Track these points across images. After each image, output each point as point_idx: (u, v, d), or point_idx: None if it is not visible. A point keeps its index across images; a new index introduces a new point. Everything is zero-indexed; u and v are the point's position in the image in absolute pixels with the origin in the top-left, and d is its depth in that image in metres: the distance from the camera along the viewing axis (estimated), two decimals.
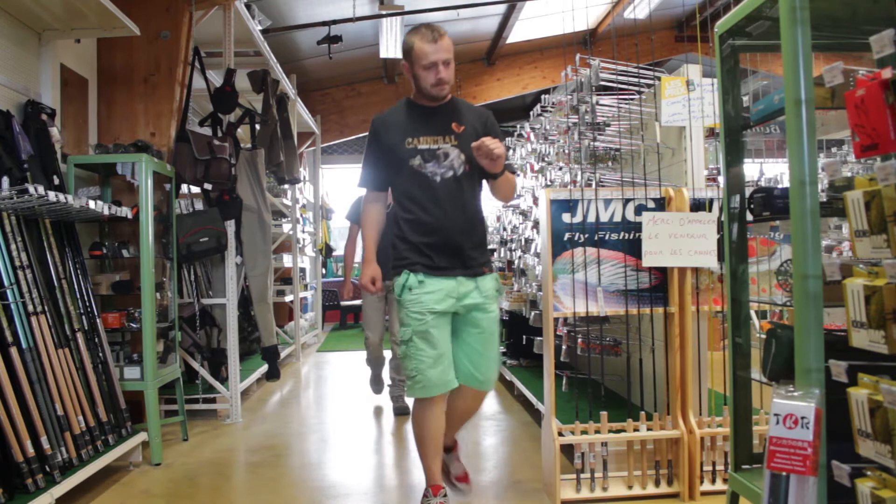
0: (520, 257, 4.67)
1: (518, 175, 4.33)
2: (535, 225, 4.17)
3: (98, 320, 3.27)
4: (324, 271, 9.87)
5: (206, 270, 5.09)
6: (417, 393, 2.44)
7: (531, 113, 4.90)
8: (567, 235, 2.84)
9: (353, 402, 5.02)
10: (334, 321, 10.55)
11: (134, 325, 3.51)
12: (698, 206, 2.84)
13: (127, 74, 4.08)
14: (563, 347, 3.26)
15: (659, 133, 3.19)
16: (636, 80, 3.21)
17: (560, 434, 2.73)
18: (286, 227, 7.20)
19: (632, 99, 3.30)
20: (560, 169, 3.77)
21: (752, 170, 5.27)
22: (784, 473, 1.37)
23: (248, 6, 5.20)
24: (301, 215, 7.64)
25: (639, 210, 2.84)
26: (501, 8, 7.50)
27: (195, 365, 4.23)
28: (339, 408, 4.91)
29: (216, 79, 5.01)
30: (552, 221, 2.83)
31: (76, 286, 3.19)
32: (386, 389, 4.71)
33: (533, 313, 4.09)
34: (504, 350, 5.66)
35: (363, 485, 3.16)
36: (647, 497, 2.74)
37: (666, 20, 8.55)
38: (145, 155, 3.50)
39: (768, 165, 5.35)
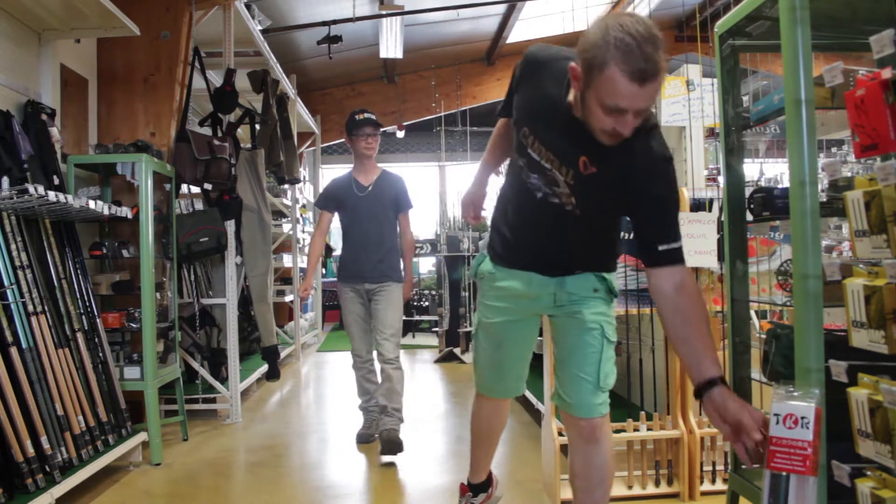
0: None
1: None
2: None
3: (98, 320, 3.27)
4: (324, 271, 9.87)
5: (206, 270, 5.09)
6: (476, 383, 2.21)
7: None
8: None
9: (354, 402, 5.02)
10: (334, 321, 10.55)
11: (134, 325, 3.51)
12: (698, 206, 2.84)
13: (127, 74, 4.07)
14: None
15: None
16: None
17: (560, 434, 2.73)
18: (286, 227, 7.20)
19: None
20: None
21: (752, 170, 5.27)
22: (784, 473, 1.37)
23: (248, 6, 5.20)
24: (301, 215, 7.64)
25: None
26: (501, 8, 7.49)
27: (195, 365, 4.23)
28: (339, 408, 4.90)
29: (216, 79, 5.01)
30: None
31: (76, 286, 3.19)
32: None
33: None
34: None
35: (363, 485, 3.16)
36: (647, 497, 2.74)
37: (666, 20, 8.54)
38: (145, 155, 3.50)
39: (768, 165, 5.35)
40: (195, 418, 4.27)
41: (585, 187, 1.68)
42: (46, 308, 2.88)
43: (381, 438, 3.46)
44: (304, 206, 8.01)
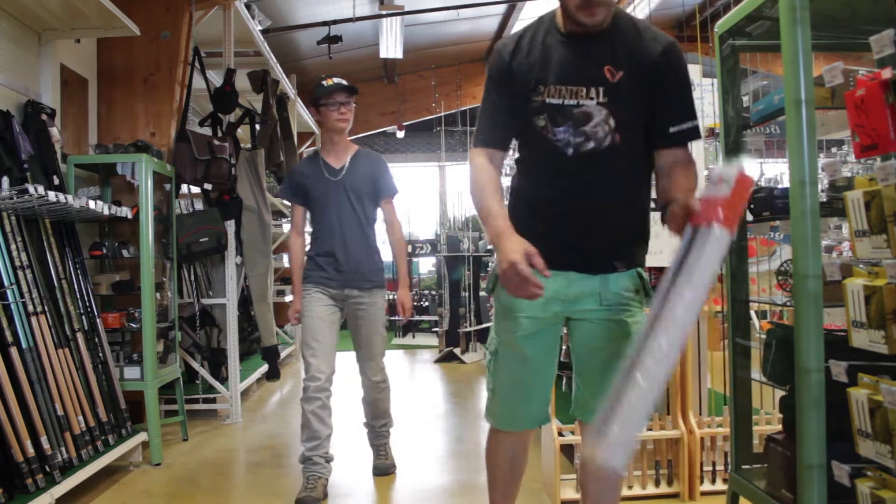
0: None
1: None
2: None
3: (98, 320, 3.27)
4: None
5: (206, 270, 5.09)
6: (488, 418, 1.91)
7: None
8: None
9: (353, 402, 5.02)
10: None
11: (134, 325, 3.51)
12: None
13: (127, 74, 4.07)
14: (563, 347, 3.25)
15: None
16: None
17: (560, 434, 2.73)
18: (286, 227, 7.20)
19: None
20: None
21: (752, 170, 5.27)
22: (701, 224, 1.36)
23: (248, 6, 5.20)
24: None
25: None
26: (501, 8, 7.50)
27: (195, 365, 4.23)
28: (339, 408, 4.90)
29: (216, 79, 5.01)
30: None
31: (76, 286, 3.19)
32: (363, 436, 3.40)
33: None
34: None
35: (363, 485, 3.16)
36: (647, 497, 2.74)
37: (666, 20, 8.53)
38: (145, 155, 3.50)
39: (768, 165, 5.35)
40: (195, 418, 4.27)
41: (618, 96, 1.62)
42: (46, 308, 2.88)
43: (375, 469, 3.23)
44: None
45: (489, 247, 6.69)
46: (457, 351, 6.74)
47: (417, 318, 8.55)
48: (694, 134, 1.67)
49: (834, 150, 3.66)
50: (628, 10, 7.11)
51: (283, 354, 6.05)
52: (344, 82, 2.95)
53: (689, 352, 2.81)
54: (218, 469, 3.37)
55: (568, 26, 1.64)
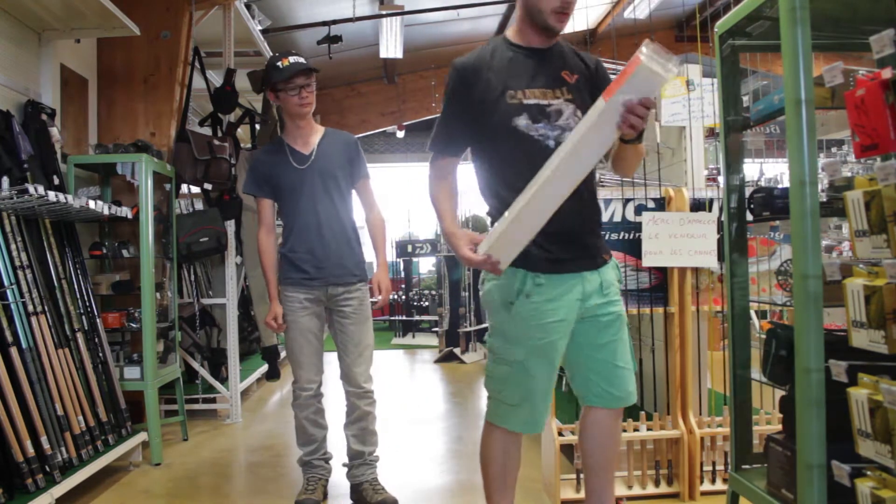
0: None
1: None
2: None
3: (98, 320, 3.27)
4: None
5: (206, 270, 5.09)
6: (492, 417, 1.96)
7: None
8: None
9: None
10: None
11: (134, 325, 3.51)
12: (698, 206, 2.84)
13: (127, 74, 4.07)
14: None
15: (659, 133, 3.19)
16: None
17: (560, 434, 2.73)
18: None
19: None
20: None
21: (752, 170, 5.27)
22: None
23: (248, 6, 5.20)
24: None
25: (639, 210, 2.84)
26: (501, 8, 7.50)
27: (195, 365, 4.23)
28: (339, 408, 4.90)
29: (216, 79, 5.01)
30: None
31: (76, 286, 3.19)
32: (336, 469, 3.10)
33: None
34: None
35: None
36: (647, 497, 2.74)
37: (666, 20, 8.54)
38: (145, 155, 3.50)
39: (768, 165, 5.36)
40: (195, 418, 4.27)
41: (579, 93, 1.91)
42: (46, 308, 2.88)
43: (368, 499, 2.82)
44: None
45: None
46: (457, 351, 6.74)
47: (417, 318, 8.55)
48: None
49: (834, 150, 3.66)
50: (628, 10, 7.11)
51: (283, 354, 6.05)
52: (302, 60, 2.65)
53: (689, 352, 2.81)
54: (218, 469, 3.37)
55: (528, 39, 1.92)
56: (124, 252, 3.63)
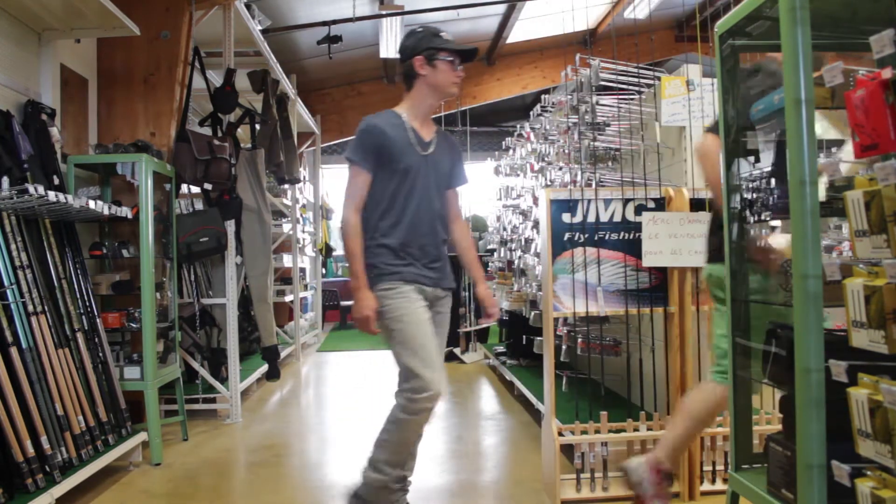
0: (520, 257, 4.67)
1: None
2: (535, 225, 4.17)
3: (98, 320, 3.27)
4: (324, 271, 9.87)
5: (206, 270, 5.09)
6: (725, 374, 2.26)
7: (531, 113, 4.90)
8: (567, 235, 2.84)
9: (353, 402, 5.03)
10: (334, 321, 10.55)
11: (134, 325, 3.51)
12: (698, 206, 2.85)
13: (127, 74, 4.08)
14: (563, 347, 3.26)
15: (659, 133, 3.19)
16: (636, 80, 3.21)
17: (560, 434, 2.73)
18: (286, 227, 7.20)
19: (632, 99, 3.30)
20: (560, 169, 3.77)
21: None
22: None
23: (248, 6, 5.20)
24: (301, 215, 7.64)
25: (639, 210, 2.84)
26: (501, 8, 7.50)
27: (195, 365, 4.23)
28: (339, 408, 4.91)
29: (216, 79, 5.01)
30: (552, 221, 2.83)
31: (76, 286, 3.19)
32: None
33: (533, 313, 4.09)
34: (504, 350, 5.67)
35: None
36: None
37: (666, 20, 8.54)
38: (145, 155, 3.50)
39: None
40: (195, 418, 4.27)
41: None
42: (46, 308, 2.88)
43: None
44: (304, 206, 8.01)
45: (490, 247, 6.70)
46: (457, 351, 6.74)
47: None
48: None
49: (834, 150, 3.66)
50: (628, 10, 7.11)
51: (283, 354, 6.05)
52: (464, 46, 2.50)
53: (689, 352, 2.81)
54: (218, 469, 3.37)
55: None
56: (124, 252, 3.63)
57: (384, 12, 6.69)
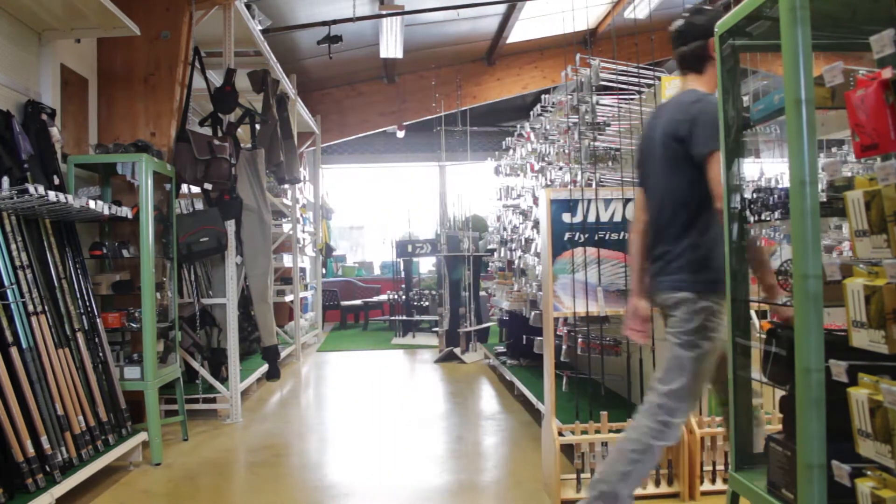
0: (520, 257, 4.67)
1: None
2: (535, 225, 4.17)
3: (98, 320, 3.27)
4: (324, 271, 9.87)
5: (206, 270, 5.09)
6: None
7: (531, 113, 4.90)
8: (567, 235, 2.84)
9: (353, 402, 5.03)
10: (334, 321, 10.55)
11: (134, 325, 3.51)
12: None
13: (127, 74, 4.08)
14: (563, 347, 3.26)
15: None
16: (636, 79, 3.20)
17: (560, 434, 2.73)
18: (286, 227, 7.20)
19: (632, 99, 3.30)
20: (560, 169, 3.77)
21: (753, 170, 5.26)
22: None
23: (248, 6, 5.20)
24: (301, 215, 7.64)
25: None
26: (501, 8, 7.50)
27: (195, 365, 4.23)
28: (340, 408, 4.91)
29: (216, 79, 5.01)
30: (552, 221, 2.83)
31: (76, 286, 3.19)
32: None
33: (533, 313, 4.09)
34: (504, 350, 5.67)
35: (363, 485, 3.15)
36: (647, 497, 2.74)
37: (666, 20, 8.51)
38: (145, 155, 3.50)
39: (768, 165, 5.35)
40: (195, 418, 4.27)
41: None
42: (46, 308, 2.88)
43: None
44: (304, 206, 8.01)
45: (490, 247, 6.70)
46: (457, 351, 6.73)
47: (417, 318, 8.56)
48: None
49: (834, 149, 3.66)
50: (628, 10, 7.11)
51: (283, 354, 6.05)
52: None
53: None
54: (218, 469, 3.37)
55: None
56: (124, 252, 3.63)
57: (384, 12, 6.69)
